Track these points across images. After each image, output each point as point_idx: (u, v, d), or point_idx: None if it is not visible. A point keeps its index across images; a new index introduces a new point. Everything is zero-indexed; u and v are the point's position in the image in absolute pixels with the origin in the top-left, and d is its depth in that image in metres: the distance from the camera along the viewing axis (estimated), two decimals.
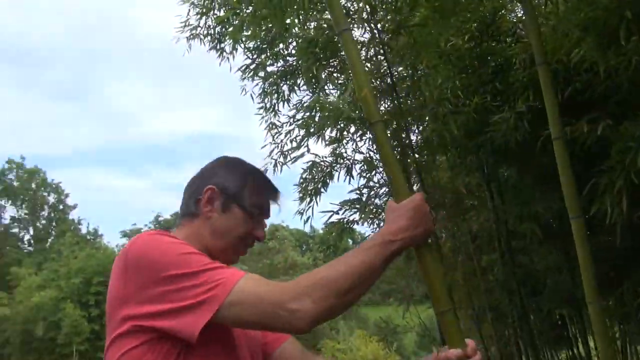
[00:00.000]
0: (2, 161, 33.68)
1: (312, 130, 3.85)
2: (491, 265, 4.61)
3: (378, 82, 3.74)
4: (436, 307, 1.18)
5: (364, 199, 3.62)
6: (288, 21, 3.69)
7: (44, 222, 33.86)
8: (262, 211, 1.29)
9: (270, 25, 3.34)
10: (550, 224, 3.88)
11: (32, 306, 21.20)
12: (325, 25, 3.92)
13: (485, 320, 4.74)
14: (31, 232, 33.45)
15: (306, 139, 3.97)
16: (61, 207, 34.22)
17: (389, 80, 3.75)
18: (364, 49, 3.84)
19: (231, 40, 4.13)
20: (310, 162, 3.93)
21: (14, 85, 54.17)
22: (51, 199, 34.01)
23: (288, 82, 4.50)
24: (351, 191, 3.50)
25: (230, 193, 1.25)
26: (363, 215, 3.52)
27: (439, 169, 4.59)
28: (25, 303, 21.65)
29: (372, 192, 3.81)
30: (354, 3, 3.69)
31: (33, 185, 33.07)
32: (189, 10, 4.62)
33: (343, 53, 4.02)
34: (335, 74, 4.29)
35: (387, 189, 3.88)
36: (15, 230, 33.12)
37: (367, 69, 3.81)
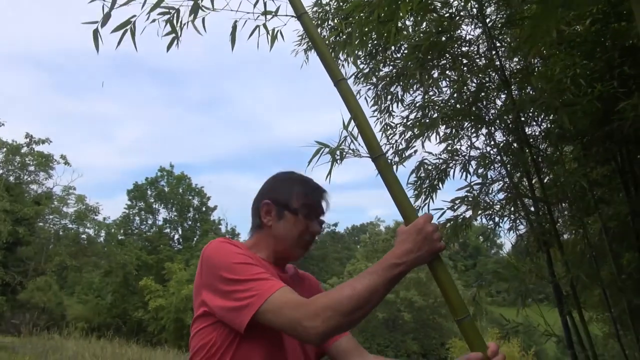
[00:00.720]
0: (155, 169, 37.89)
1: (424, 128, 3.91)
2: (629, 264, 4.24)
3: (488, 78, 3.68)
4: (454, 315, 1.28)
5: (474, 195, 3.58)
6: (399, 24, 3.80)
7: (190, 222, 37.43)
8: (311, 210, 1.52)
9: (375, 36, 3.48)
10: None
11: (183, 297, 23.62)
12: (434, 24, 3.96)
13: (626, 323, 4.37)
14: (180, 232, 37.24)
15: (414, 139, 4.03)
16: (204, 209, 37.60)
17: (502, 74, 3.68)
18: (473, 45, 3.81)
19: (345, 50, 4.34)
20: (418, 163, 3.99)
21: (161, 103, 60.98)
22: (195, 202, 37.49)
23: (401, 84, 4.59)
24: (460, 189, 3.51)
25: (282, 203, 1.51)
26: (473, 212, 3.49)
27: (563, 162, 4.35)
28: (177, 295, 24.22)
29: (484, 189, 3.75)
30: (462, 1, 3.67)
31: (180, 190, 36.73)
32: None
33: (454, 50, 4.05)
34: (447, 72, 4.29)
35: (499, 185, 3.81)
36: (167, 230, 37.13)
37: (473, 65, 3.77)
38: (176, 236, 37.49)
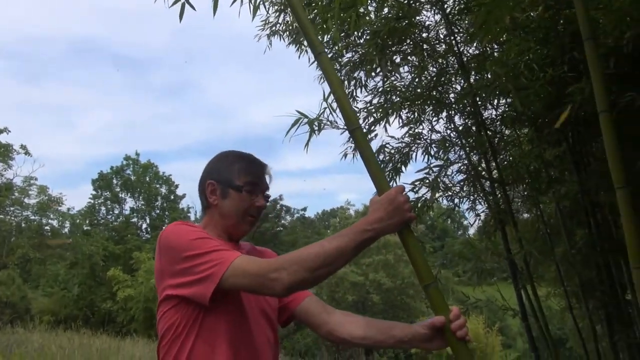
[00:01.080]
0: (121, 158, 37.06)
1: (384, 113, 4.01)
2: (580, 239, 4.47)
3: (447, 63, 3.79)
4: (421, 281, 1.36)
5: (432, 177, 3.72)
6: (361, 10, 3.86)
7: (158, 211, 36.91)
8: (255, 186, 1.58)
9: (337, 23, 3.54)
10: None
11: (152, 287, 23.37)
12: (394, 10, 4.03)
13: (578, 297, 4.63)
14: (148, 221, 36.70)
15: (376, 123, 4.12)
16: (172, 197, 37.12)
17: (460, 59, 3.79)
18: (433, 31, 3.91)
19: None
20: (379, 147, 4.09)
21: (125, 90, 59.47)
22: (163, 190, 36.97)
23: (365, 69, 4.65)
24: (419, 171, 3.64)
25: (224, 181, 1.56)
26: (432, 193, 3.63)
27: (520, 144, 4.53)
28: (145, 284, 23.95)
29: (443, 170, 3.90)
30: None
31: (147, 179, 36.12)
32: (268, 8, 4.94)
33: (415, 36, 4.14)
34: (409, 57, 4.38)
35: (458, 166, 3.96)
36: (135, 219, 36.53)
37: (436, 50, 3.88)
38: (144, 225, 36.95)
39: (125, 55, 61.73)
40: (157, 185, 36.57)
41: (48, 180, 58.47)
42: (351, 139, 4.29)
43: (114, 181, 35.65)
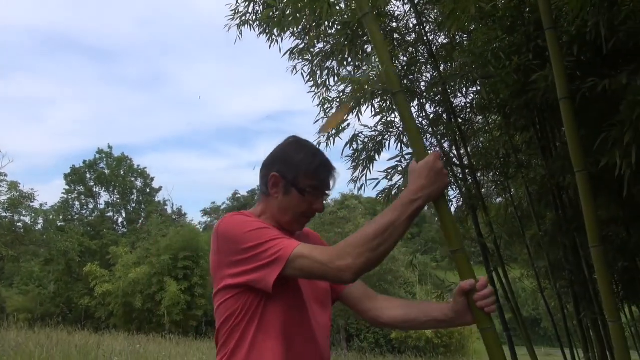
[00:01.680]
0: (93, 152, 36.44)
1: (355, 103, 4.04)
2: (550, 222, 4.62)
3: (417, 52, 3.85)
4: (450, 246, 1.43)
5: (405, 165, 3.79)
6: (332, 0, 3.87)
7: (134, 205, 36.51)
8: (317, 190, 1.57)
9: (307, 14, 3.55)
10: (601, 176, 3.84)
11: (130, 281, 23.21)
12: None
13: (548, 277, 4.79)
14: (123, 215, 36.26)
15: (350, 112, 4.15)
16: (148, 190, 36.71)
17: (429, 49, 3.85)
18: (402, 21, 3.96)
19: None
20: (351, 136, 4.13)
21: (97, 82, 58.18)
22: (139, 183, 36.53)
23: (337, 59, 4.67)
24: (391, 159, 3.71)
25: (289, 179, 1.55)
26: (404, 179, 3.70)
27: (491, 131, 4.63)
28: (123, 279, 23.73)
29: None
30: None
31: (122, 172, 35.59)
32: None
33: (385, 26, 4.18)
34: None
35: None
36: (110, 214, 36.04)
37: (398, 41, 3.93)
38: (120, 219, 36.51)
39: (95, 46, 60.35)
40: (132, 179, 36.13)
41: (18, 176, 57.23)
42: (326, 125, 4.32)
43: (88, 175, 35.06)
